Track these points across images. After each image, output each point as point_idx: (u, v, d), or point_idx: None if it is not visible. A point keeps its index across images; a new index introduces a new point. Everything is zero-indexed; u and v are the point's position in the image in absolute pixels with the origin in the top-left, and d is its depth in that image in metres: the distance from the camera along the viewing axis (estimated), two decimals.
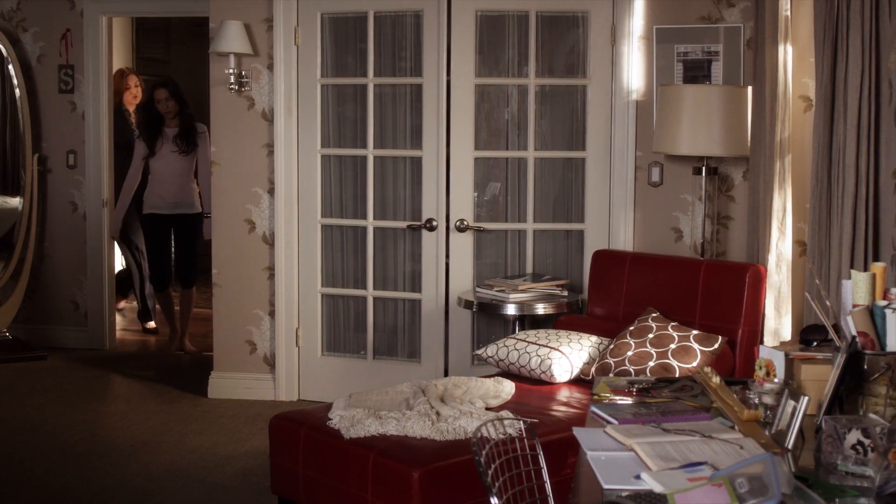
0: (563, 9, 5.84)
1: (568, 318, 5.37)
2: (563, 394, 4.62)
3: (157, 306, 8.12)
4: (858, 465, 2.40)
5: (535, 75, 5.87)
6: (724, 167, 5.62)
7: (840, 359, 2.78)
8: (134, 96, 8.22)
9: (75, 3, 7.45)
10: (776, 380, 2.97)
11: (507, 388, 4.53)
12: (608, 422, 2.91)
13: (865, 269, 4.06)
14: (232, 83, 6.07)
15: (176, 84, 7.31)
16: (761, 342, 4.92)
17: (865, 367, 2.78)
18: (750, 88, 5.30)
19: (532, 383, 4.74)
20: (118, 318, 8.28)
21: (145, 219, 7.47)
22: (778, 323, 5.12)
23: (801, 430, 2.66)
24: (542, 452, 2.98)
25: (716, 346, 4.65)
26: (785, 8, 5.11)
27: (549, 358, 4.71)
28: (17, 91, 7.35)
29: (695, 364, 4.53)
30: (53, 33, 7.50)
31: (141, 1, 7.65)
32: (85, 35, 7.44)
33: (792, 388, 2.82)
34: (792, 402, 2.69)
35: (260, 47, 6.10)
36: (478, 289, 5.69)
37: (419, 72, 5.92)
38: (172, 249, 7.58)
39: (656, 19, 5.68)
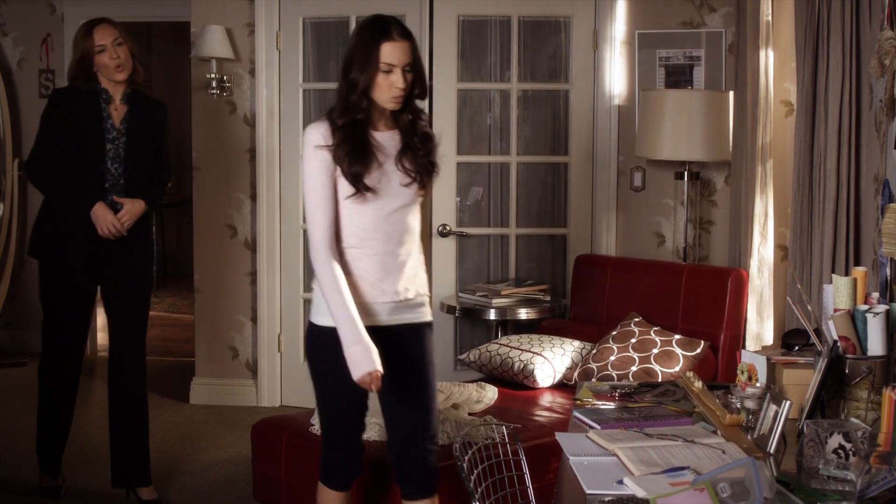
0: (545, 14, 5.84)
1: (551, 323, 5.37)
2: (546, 399, 4.61)
3: None
4: (840, 470, 2.40)
5: (517, 80, 5.87)
6: (706, 172, 5.63)
7: (822, 363, 2.78)
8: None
9: (56, 7, 7.41)
10: (758, 384, 2.98)
11: (490, 393, 4.52)
12: (591, 427, 2.91)
13: (847, 273, 4.07)
14: (213, 88, 6.05)
15: None
16: (743, 347, 4.93)
17: (847, 371, 2.79)
18: (731, 93, 5.32)
19: (515, 388, 4.73)
20: (99, 324, 8.21)
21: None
22: (760, 327, 5.14)
23: (783, 435, 2.66)
24: (524, 457, 2.98)
25: (698, 350, 4.65)
26: (766, 13, 5.13)
27: (531, 363, 4.70)
28: None
29: (677, 369, 4.53)
30: (34, 38, 7.45)
31: (122, 5, 7.60)
32: (65, 40, 7.36)
33: (774, 392, 2.82)
34: (774, 407, 2.69)
35: (241, 52, 6.08)
36: (460, 294, 5.68)
37: None
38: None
39: (638, 24, 5.70)
